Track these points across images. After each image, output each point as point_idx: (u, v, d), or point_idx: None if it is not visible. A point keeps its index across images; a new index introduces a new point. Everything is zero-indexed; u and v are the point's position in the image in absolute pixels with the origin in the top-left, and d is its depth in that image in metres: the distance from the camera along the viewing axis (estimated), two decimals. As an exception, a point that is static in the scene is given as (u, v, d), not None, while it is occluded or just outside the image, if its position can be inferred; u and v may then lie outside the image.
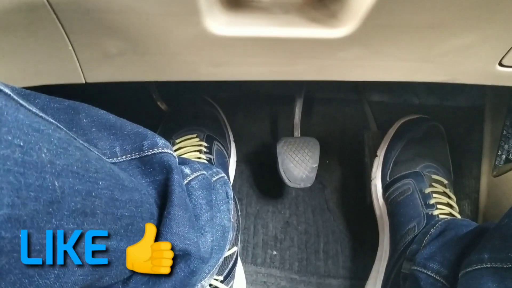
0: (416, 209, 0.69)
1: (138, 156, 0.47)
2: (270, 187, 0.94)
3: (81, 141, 0.38)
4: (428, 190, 0.70)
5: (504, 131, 0.76)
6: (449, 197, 0.70)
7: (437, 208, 0.68)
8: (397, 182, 0.73)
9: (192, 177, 0.54)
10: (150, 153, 0.47)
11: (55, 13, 0.39)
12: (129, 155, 0.47)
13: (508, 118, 0.75)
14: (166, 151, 0.48)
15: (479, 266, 0.49)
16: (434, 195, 0.69)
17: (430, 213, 0.68)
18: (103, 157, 0.43)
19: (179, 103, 0.84)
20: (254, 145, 0.98)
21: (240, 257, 0.84)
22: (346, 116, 0.97)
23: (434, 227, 0.64)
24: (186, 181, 0.52)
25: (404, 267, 0.64)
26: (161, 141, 0.48)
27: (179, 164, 0.52)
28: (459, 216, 0.68)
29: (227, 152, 0.82)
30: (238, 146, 0.93)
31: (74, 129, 0.44)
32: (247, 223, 0.89)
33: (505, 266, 0.45)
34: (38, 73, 0.48)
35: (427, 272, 0.59)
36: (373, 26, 0.40)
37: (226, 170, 0.77)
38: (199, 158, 0.73)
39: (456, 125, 0.88)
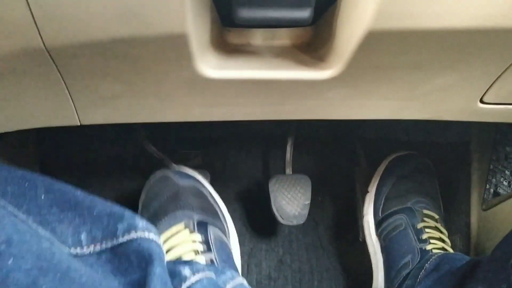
0: (409, 244, 0.69)
1: (110, 245, 0.37)
2: (263, 225, 0.94)
3: (29, 223, 0.32)
4: (420, 225, 0.70)
5: (491, 165, 0.77)
6: (441, 232, 0.71)
7: (430, 243, 0.68)
8: (389, 218, 0.74)
9: (193, 280, 0.44)
10: (125, 239, 0.37)
11: (51, 58, 0.40)
12: (98, 245, 0.37)
13: (494, 152, 0.77)
14: (146, 236, 0.38)
15: None
16: (427, 229, 0.70)
17: (423, 248, 0.68)
18: (61, 246, 0.35)
19: (151, 184, 0.72)
20: (247, 183, 0.98)
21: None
22: (337, 153, 0.98)
23: (428, 262, 0.65)
24: (184, 287, 0.43)
25: None
26: (141, 222, 0.39)
27: (176, 262, 0.43)
28: (451, 250, 0.69)
29: (225, 234, 0.68)
30: (231, 183, 0.93)
31: (25, 206, 0.35)
32: (240, 262, 0.88)
33: None
34: (34, 116, 0.49)
35: None
36: (358, 67, 0.42)
37: (233, 264, 0.64)
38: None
39: (444, 160, 0.89)
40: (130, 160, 0.94)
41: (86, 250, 0.36)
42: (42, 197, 0.36)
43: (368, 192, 0.80)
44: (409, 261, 0.68)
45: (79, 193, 0.38)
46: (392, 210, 0.75)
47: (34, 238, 0.30)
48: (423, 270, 0.64)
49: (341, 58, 0.41)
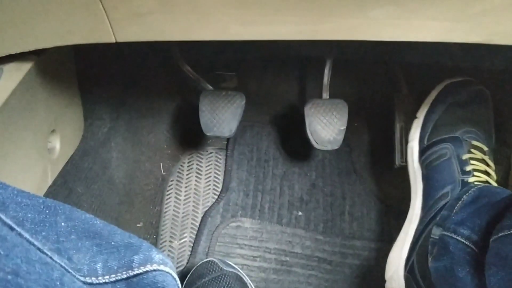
0: (451, 175, 0.68)
1: (125, 276, 0.37)
2: (297, 149, 0.94)
3: (45, 250, 0.32)
4: (466, 156, 0.68)
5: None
6: (488, 165, 0.68)
7: (473, 175, 0.66)
8: (434, 146, 0.72)
9: None
10: (140, 271, 0.38)
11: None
12: (113, 275, 0.37)
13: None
14: (162, 268, 0.39)
15: (511, 231, 0.48)
16: (472, 161, 0.67)
17: (466, 180, 0.66)
18: (74, 274, 0.35)
19: (196, 266, 0.73)
20: (282, 106, 0.97)
21: (266, 217, 0.86)
22: (376, 78, 0.95)
23: (467, 194, 0.63)
24: None
25: (433, 233, 0.64)
26: (158, 255, 0.39)
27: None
28: (495, 185, 0.67)
29: None
30: (266, 106, 0.93)
31: (43, 232, 0.35)
32: (273, 184, 0.90)
33: None
34: (70, 32, 0.48)
35: (457, 238, 0.59)
36: (407, -17, 0.39)
37: None
38: None
39: (492, 88, 0.85)
40: (165, 79, 0.94)
41: (100, 280, 0.37)
42: (62, 224, 0.37)
43: (416, 118, 0.77)
44: (448, 191, 0.67)
45: (99, 222, 0.39)
46: (438, 138, 0.72)
47: (45, 268, 0.30)
48: (460, 202, 0.63)
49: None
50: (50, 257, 0.32)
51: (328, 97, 0.82)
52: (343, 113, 0.77)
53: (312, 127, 0.77)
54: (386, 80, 0.93)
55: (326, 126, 0.77)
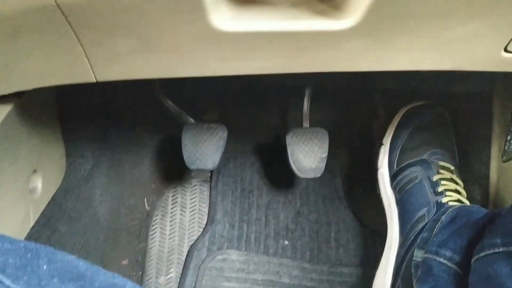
0: (425, 197, 0.69)
1: None
2: (280, 178, 0.95)
3: None
4: (436, 178, 0.70)
5: (513, 116, 0.76)
6: (457, 183, 0.70)
7: (446, 195, 0.68)
8: (404, 170, 0.74)
9: None
10: None
11: (63, 14, 0.40)
12: None
13: (517, 103, 0.75)
14: None
15: (491, 251, 0.49)
16: (442, 182, 0.69)
17: (439, 201, 0.68)
18: None
19: None
20: (264, 136, 0.98)
21: (253, 248, 0.86)
22: (355, 105, 0.97)
23: (445, 215, 0.65)
24: None
25: (415, 255, 0.65)
26: None
27: None
28: (467, 202, 0.69)
29: None
30: (248, 137, 0.94)
31: (25, 277, 0.35)
32: (258, 214, 0.90)
33: None
34: (50, 74, 0.49)
35: (440, 259, 0.59)
36: (377, 16, 0.41)
37: None
38: None
39: (465, 111, 0.88)
40: (147, 114, 0.94)
41: None
42: (44, 268, 0.36)
43: (382, 144, 0.80)
44: (424, 214, 0.68)
45: (82, 264, 0.38)
46: (407, 162, 0.74)
47: None
48: (439, 223, 0.64)
49: (359, 6, 0.40)
50: None
51: (308, 126, 0.83)
52: (324, 140, 0.79)
53: (294, 156, 0.78)
54: (364, 107, 0.95)
55: (307, 155, 0.78)
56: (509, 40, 0.46)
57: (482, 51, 0.48)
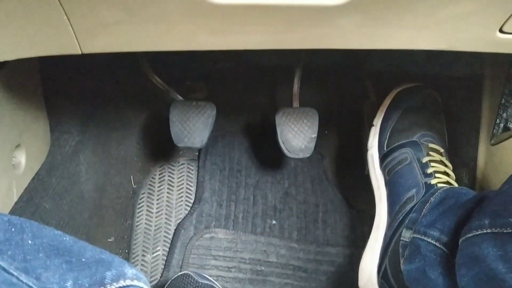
0: (414, 179, 0.70)
1: None
2: (269, 158, 0.94)
3: (11, 270, 0.31)
4: (425, 159, 0.70)
5: (503, 99, 0.76)
6: (446, 166, 0.71)
7: (435, 177, 0.68)
8: (394, 152, 0.74)
9: None
10: (113, 287, 0.37)
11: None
12: None
13: (507, 86, 0.75)
14: (136, 284, 0.38)
15: (479, 232, 0.50)
16: (432, 164, 0.70)
17: (428, 182, 0.68)
18: None
19: (172, 280, 0.73)
20: (253, 116, 0.97)
21: (240, 227, 0.86)
22: (345, 86, 0.96)
23: (434, 196, 0.65)
24: None
25: (403, 235, 0.65)
26: (131, 270, 0.38)
27: None
28: (456, 184, 0.69)
29: None
30: (237, 116, 0.93)
31: (9, 252, 0.34)
32: (246, 193, 0.90)
33: (505, 231, 0.46)
34: (33, 44, 0.47)
35: (428, 240, 0.60)
36: (372, -8, 0.40)
37: None
38: None
39: (455, 94, 0.88)
40: (134, 90, 0.93)
41: None
42: (29, 242, 0.35)
43: (373, 125, 0.79)
44: (413, 195, 0.68)
45: (68, 239, 0.38)
46: (397, 144, 0.74)
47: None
48: (428, 204, 0.64)
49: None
50: (17, 277, 0.31)
51: (298, 106, 0.83)
52: (314, 121, 0.78)
53: (284, 135, 0.77)
54: (354, 88, 0.95)
55: (297, 135, 0.77)
56: (505, 20, 0.46)
57: (477, 31, 0.48)
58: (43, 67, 0.68)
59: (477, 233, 0.50)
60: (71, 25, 0.44)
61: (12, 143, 0.61)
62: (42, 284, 0.34)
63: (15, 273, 0.31)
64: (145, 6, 0.42)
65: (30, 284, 0.32)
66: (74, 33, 0.45)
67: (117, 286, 0.37)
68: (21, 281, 0.32)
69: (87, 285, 0.36)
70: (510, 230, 0.45)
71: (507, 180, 0.51)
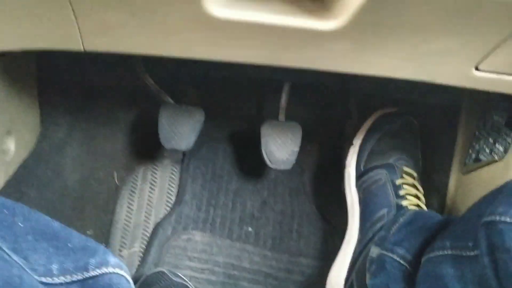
0: (387, 199, 0.73)
1: (80, 277, 0.38)
2: (251, 167, 0.97)
3: (4, 249, 0.32)
4: (399, 181, 0.73)
5: (477, 132, 0.79)
6: (418, 189, 0.74)
7: (406, 199, 0.72)
8: (370, 172, 0.77)
9: None
10: (96, 273, 0.39)
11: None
12: (68, 276, 0.38)
13: (482, 120, 0.79)
14: (117, 272, 0.40)
15: (440, 253, 0.53)
16: (405, 186, 0.73)
17: (400, 203, 0.71)
18: (30, 273, 0.35)
19: (147, 275, 0.74)
20: (240, 125, 1.00)
21: (217, 231, 0.88)
22: (331, 104, 0.99)
23: (403, 217, 0.68)
24: None
25: (372, 251, 0.68)
26: (113, 259, 0.40)
27: None
28: (425, 208, 0.73)
29: None
30: (224, 123, 0.95)
31: (1, 232, 0.36)
32: (226, 199, 0.92)
33: (464, 254, 0.49)
34: (38, 37, 0.49)
35: (393, 256, 0.63)
36: (362, 22, 0.43)
37: None
38: None
39: (433, 122, 0.91)
40: (126, 89, 0.94)
41: (56, 280, 0.37)
42: (20, 225, 0.37)
43: (352, 144, 0.83)
44: (384, 214, 0.71)
45: (56, 225, 0.39)
46: (374, 164, 0.77)
47: (4, 264, 0.31)
48: (397, 224, 0.68)
49: (347, 10, 0.42)
50: (8, 255, 0.33)
51: (284, 119, 0.85)
52: (297, 135, 0.81)
53: (268, 147, 0.79)
54: (339, 107, 0.98)
55: (280, 147, 0.80)
56: (480, 59, 0.49)
57: (454, 67, 0.51)
58: (40, 60, 0.69)
59: (438, 253, 0.53)
60: (77, 23, 0.46)
61: (2, 129, 0.62)
62: (30, 265, 0.36)
63: (6, 251, 0.33)
64: (150, 13, 0.44)
65: (20, 263, 0.34)
66: (80, 31, 0.47)
67: (100, 272, 0.39)
68: (12, 259, 0.33)
69: (71, 269, 0.38)
70: (468, 254, 0.49)
71: (471, 207, 0.54)
